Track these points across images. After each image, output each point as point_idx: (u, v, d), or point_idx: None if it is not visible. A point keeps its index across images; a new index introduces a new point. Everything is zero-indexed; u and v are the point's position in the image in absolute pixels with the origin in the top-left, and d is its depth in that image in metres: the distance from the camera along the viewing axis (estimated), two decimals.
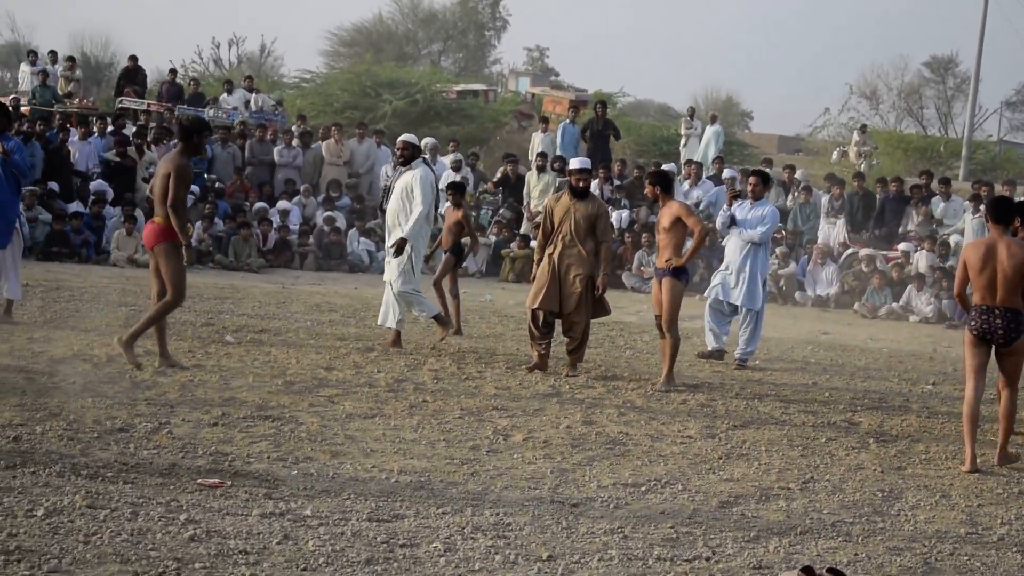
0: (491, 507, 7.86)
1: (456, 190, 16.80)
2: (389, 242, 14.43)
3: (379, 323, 14.74)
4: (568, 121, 30.89)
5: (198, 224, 23.27)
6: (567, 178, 14.31)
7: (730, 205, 15.43)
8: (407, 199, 14.24)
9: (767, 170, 20.35)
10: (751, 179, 15.59)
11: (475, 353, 14.50)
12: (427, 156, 18.93)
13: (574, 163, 14.22)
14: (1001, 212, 10.34)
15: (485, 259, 26.22)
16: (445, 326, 14.77)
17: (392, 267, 14.32)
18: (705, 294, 15.58)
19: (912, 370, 16.13)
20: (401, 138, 14.88)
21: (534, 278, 13.80)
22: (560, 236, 13.65)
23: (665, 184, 13.29)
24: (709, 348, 15.55)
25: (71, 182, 25.30)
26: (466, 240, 17.23)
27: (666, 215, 13.13)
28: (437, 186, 14.85)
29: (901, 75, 62.52)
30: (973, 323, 10.29)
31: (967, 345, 10.40)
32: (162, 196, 11.94)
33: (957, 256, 23.96)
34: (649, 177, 13.58)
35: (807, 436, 10.99)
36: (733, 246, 15.31)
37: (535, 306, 13.54)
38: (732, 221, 15.27)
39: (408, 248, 14.13)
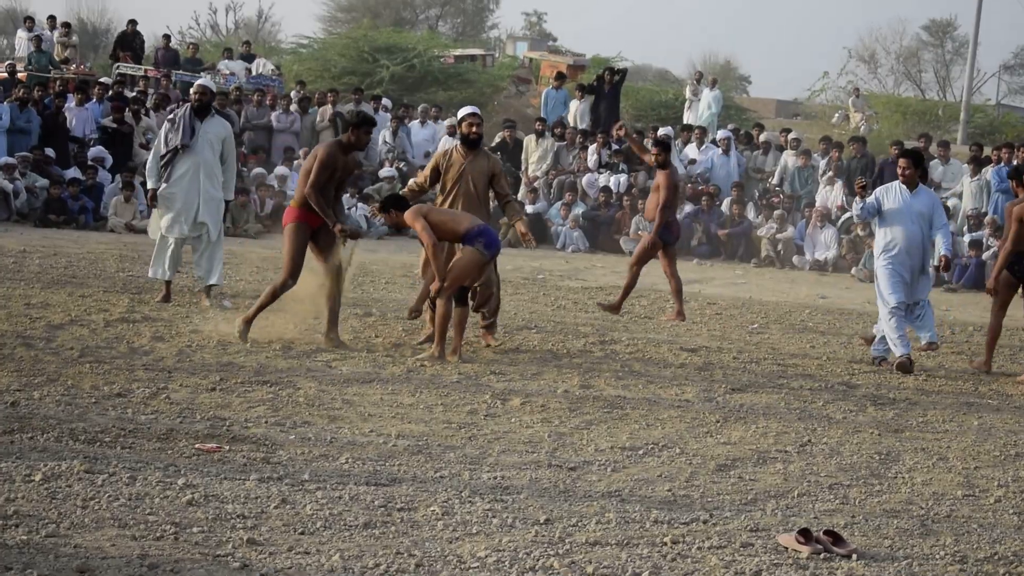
0: (489, 471, 7.87)
1: None
2: (198, 196, 14.02)
3: (214, 282, 14.29)
4: (552, 88, 31.07)
5: None
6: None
7: (862, 198, 13.20)
8: (216, 151, 14.08)
9: (918, 150, 16.43)
10: (901, 162, 13.52)
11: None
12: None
13: (464, 110, 12.98)
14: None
15: None
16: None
17: (217, 224, 14.25)
18: (895, 303, 13.10)
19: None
20: (201, 82, 14.56)
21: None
22: (452, 197, 12.49)
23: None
24: (901, 354, 13.02)
25: (68, 148, 25.23)
26: None
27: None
28: None
29: (899, 39, 62.57)
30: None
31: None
32: (303, 179, 11.89)
33: (956, 219, 24.04)
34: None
35: (804, 399, 11.01)
36: (904, 238, 13.12)
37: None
38: (878, 211, 13.26)
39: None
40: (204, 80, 15.01)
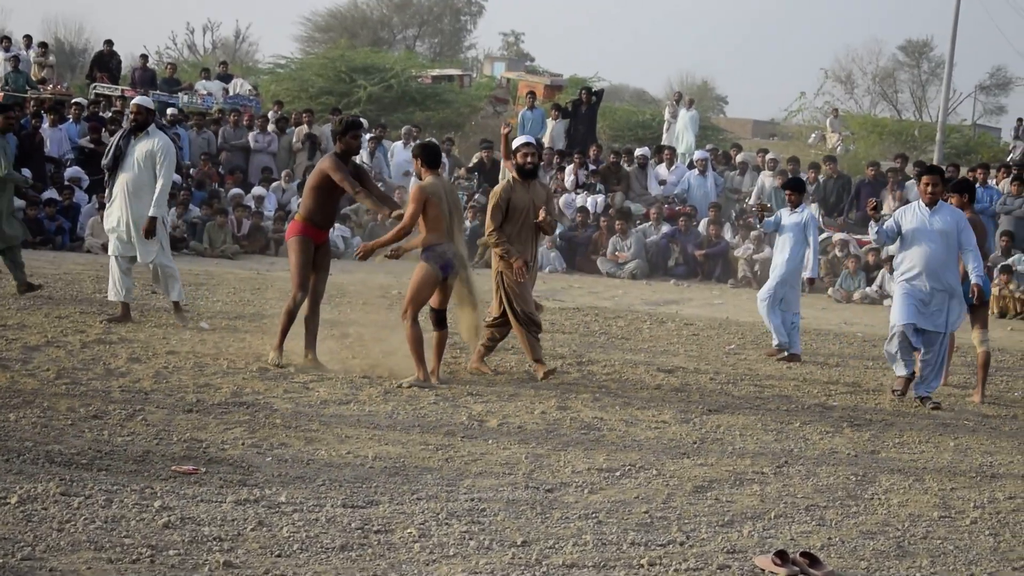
0: (466, 493, 7.87)
1: None
2: (126, 215, 13.89)
3: (173, 299, 14.16)
4: (527, 108, 31.10)
5: (172, 210, 23.16)
6: (540, 163, 13.74)
7: (875, 220, 12.69)
8: (146, 169, 13.84)
9: (943, 168, 15.57)
10: (925, 178, 12.57)
11: (450, 339, 14.48)
12: (163, 121, 18.01)
13: (518, 140, 12.85)
14: None
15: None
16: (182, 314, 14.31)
17: (148, 246, 13.92)
18: (903, 322, 12.38)
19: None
20: (135, 101, 14.39)
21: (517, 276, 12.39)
22: (520, 227, 12.52)
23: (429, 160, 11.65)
24: (900, 375, 12.68)
25: (44, 169, 25.17)
26: None
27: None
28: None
29: (876, 59, 62.83)
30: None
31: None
32: (308, 195, 11.87)
33: None
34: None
35: (781, 421, 11.03)
36: (923, 260, 12.39)
37: (529, 308, 12.44)
38: (899, 234, 12.58)
39: (160, 224, 13.95)
40: (139, 99, 14.63)
